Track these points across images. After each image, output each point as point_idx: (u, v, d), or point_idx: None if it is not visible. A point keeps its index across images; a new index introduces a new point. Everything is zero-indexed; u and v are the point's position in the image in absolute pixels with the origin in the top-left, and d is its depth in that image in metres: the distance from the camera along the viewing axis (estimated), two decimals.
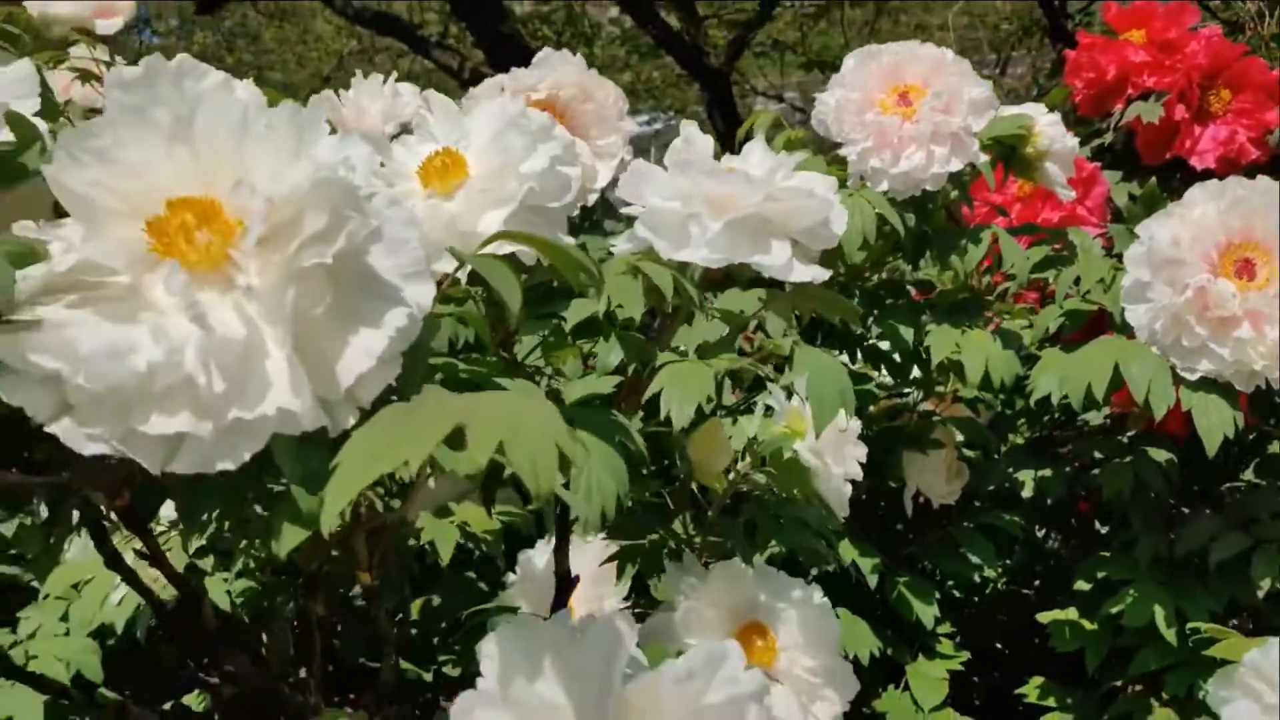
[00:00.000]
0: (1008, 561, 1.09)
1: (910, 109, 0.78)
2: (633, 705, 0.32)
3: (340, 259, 0.34)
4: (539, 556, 0.85)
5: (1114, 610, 0.87)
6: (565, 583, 0.55)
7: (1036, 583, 1.16)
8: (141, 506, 0.46)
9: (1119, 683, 0.91)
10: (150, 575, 0.72)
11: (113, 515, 0.50)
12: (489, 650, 0.33)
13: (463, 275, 0.46)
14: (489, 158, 0.48)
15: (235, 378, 0.33)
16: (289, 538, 0.34)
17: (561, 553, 0.55)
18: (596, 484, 0.35)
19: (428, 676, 0.87)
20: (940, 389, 1.03)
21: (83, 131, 0.34)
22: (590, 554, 0.79)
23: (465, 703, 0.32)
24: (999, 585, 1.12)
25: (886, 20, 6.54)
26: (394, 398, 0.36)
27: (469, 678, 0.51)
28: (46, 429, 0.31)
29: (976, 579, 1.02)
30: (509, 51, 3.87)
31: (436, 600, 0.93)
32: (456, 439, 0.30)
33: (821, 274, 0.47)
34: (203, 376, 0.32)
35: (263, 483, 0.36)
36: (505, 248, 0.43)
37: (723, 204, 0.47)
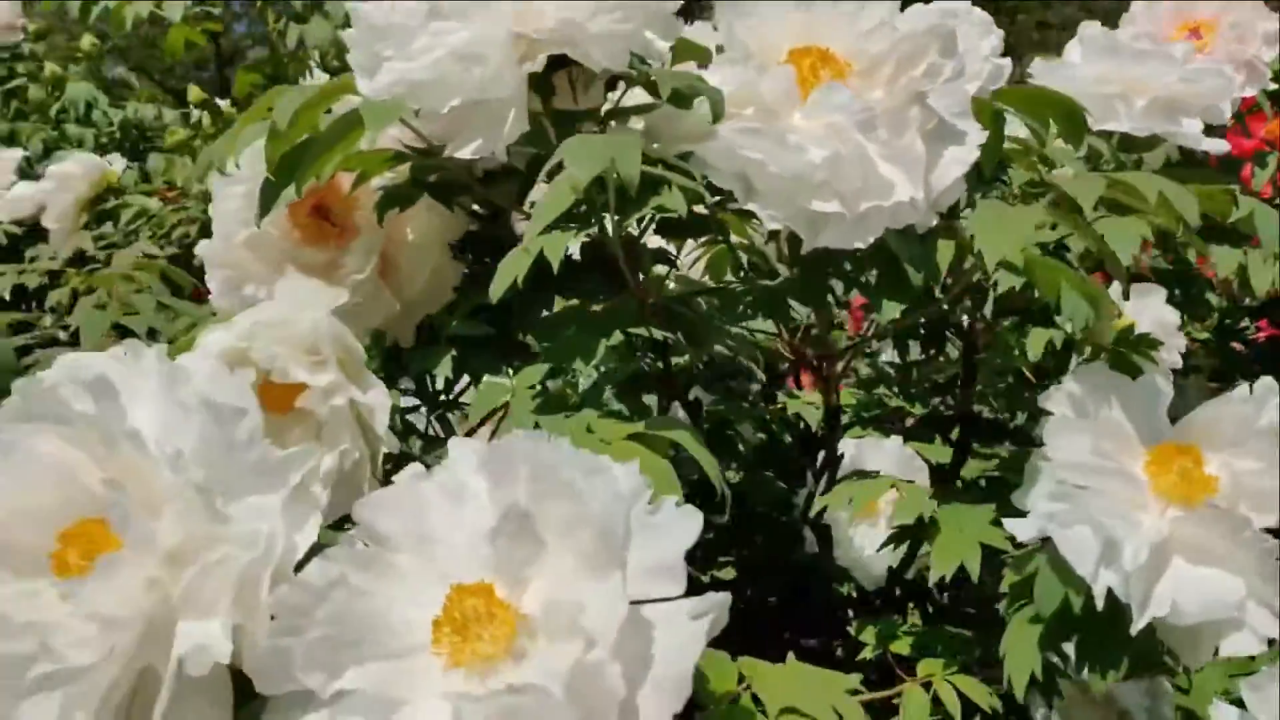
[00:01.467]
0: None
1: (1203, 41, 0.84)
2: (1194, 425, 0.41)
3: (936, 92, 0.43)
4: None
5: None
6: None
7: None
8: None
9: None
10: None
11: None
12: (1069, 388, 0.42)
13: None
14: None
15: (866, 179, 0.43)
16: (888, 311, 0.44)
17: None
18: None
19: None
20: None
21: None
22: (890, 454, 0.87)
23: (1053, 426, 0.41)
24: None
25: (1003, 20, 6.46)
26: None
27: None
28: (742, 206, 0.42)
29: None
30: None
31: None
32: None
33: (1223, 145, 0.55)
34: (848, 172, 0.42)
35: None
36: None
37: (1141, 85, 0.55)
